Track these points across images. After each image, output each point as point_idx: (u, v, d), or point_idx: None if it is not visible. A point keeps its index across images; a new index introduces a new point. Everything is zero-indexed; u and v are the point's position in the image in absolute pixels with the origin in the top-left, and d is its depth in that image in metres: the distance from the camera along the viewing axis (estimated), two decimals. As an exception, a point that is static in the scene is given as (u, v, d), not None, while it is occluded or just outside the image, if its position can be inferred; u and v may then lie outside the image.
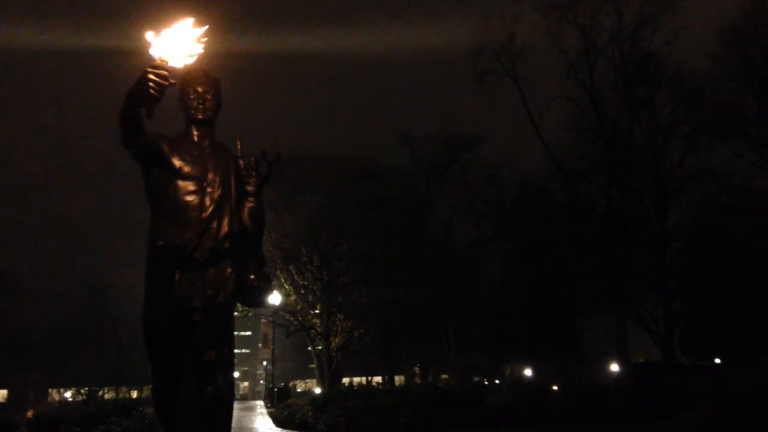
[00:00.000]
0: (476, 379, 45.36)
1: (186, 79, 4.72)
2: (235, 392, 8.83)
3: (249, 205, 4.69)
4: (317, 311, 38.43)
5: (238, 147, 4.84)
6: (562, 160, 33.65)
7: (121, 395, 51.77)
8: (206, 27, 4.15)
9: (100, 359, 50.38)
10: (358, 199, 37.07)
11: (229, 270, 4.50)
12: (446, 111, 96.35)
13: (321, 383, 37.53)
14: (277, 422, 23.38)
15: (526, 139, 52.41)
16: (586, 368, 35.42)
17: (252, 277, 4.65)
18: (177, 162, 4.52)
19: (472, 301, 38.33)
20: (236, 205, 4.64)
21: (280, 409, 27.60)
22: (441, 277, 36.06)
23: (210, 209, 4.49)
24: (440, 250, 38.48)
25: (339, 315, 38.00)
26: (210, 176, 4.57)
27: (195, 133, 4.74)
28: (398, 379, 49.66)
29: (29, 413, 22.94)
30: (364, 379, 51.68)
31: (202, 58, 4.34)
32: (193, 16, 4.10)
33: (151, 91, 3.91)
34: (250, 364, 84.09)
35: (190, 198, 4.48)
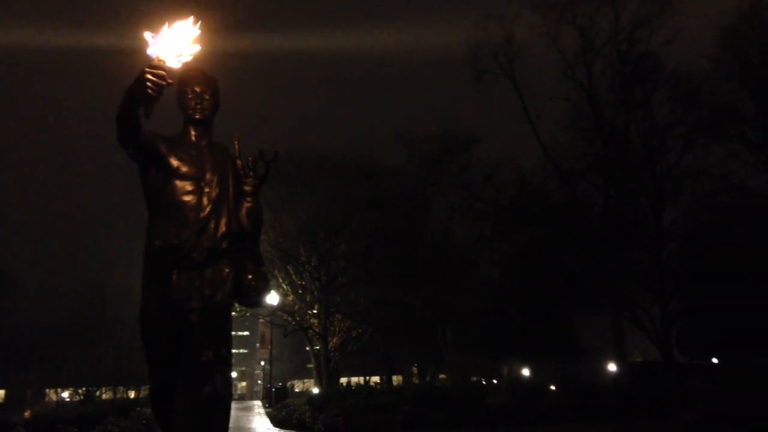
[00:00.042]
0: (474, 378, 45.35)
1: (184, 78, 4.71)
2: (233, 392, 8.83)
3: (247, 205, 4.68)
4: (315, 311, 38.42)
5: (236, 147, 4.84)
6: (559, 160, 33.74)
7: (118, 395, 51.74)
8: (199, 22, 4.12)
9: (98, 359, 50.31)
10: (357, 199, 37.05)
11: (226, 270, 4.50)
12: (444, 111, 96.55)
13: (319, 383, 37.52)
14: (275, 422, 23.37)
15: (523, 139, 52.42)
16: (583, 368, 35.42)
17: (250, 277, 4.64)
18: (174, 162, 4.52)
19: (470, 300, 38.33)
20: (234, 205, 4.63)
21: (277, 409, 27.61)
22: (439, 276, 36.07)
23: (207, 209, 4.49)
24: (438, 250, 38.50)
25: (337, 315, 38.00)
26: (208, 176, 4.57)
27: (193, 132, 4.74)
28: (396, 379, 49.61)
29: (26, 413, 22.94)
30: (361, 379, 51.70)
31: (201, 58, 4.34)
32: (192, 16, 4.11)
33: (149, 90, 3.91)
34: (247, 364, 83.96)
35: (187, 198, 4.48)
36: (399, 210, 38.89)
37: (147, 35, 3.96)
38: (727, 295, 27.30)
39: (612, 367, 35.26)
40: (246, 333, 77.00)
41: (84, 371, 51.11)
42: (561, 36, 32.85)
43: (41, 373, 53.82)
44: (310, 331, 38.23)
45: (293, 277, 37.61)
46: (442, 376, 45.91)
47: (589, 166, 33.99)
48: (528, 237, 36.77)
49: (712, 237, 30.27)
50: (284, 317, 39.08)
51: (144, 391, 46.84)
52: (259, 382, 73.16)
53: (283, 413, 23.56)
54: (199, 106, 4.72)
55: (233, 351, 4.95)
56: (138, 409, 20.80)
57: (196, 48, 4.18)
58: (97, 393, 51.33)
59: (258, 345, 61.84)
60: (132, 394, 53.14)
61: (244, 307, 5.63)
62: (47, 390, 57.96)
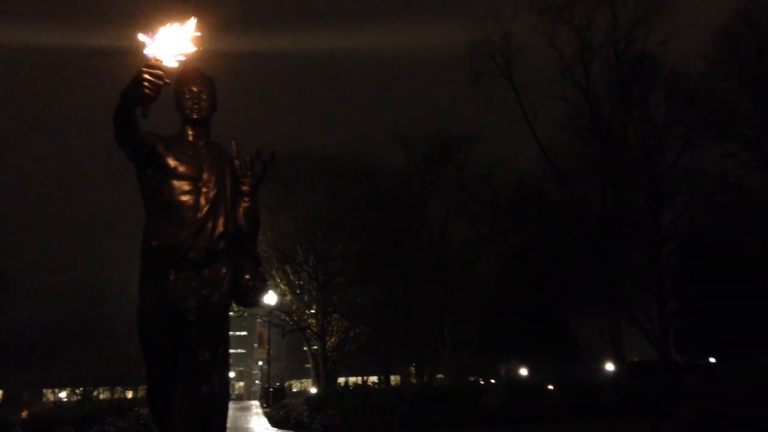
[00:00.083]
0: (471, 378, 45.43)
1: (181, 78, 4.70)
2: (231, 392, 8.84)
3: (244, 205, 4.69)
4: (313, 311, 38.43)
5: (233, 147, 4.84)
6: (557, 160, 33.76)
7: (116, 395, 51.71)
8: (197, 22, 4.11)
9: (95, 359, 50.23)
10: (355, 199, 37.09)
11: (224, 270, 4.49)
12: (442, 111, 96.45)
13: (317, 383, 37.54)
14: (273, 422, 23.33)
15: (521, 138, 52.50)
16: (581, 367, 35.50)
17: (247, 277, 4.64)
18: (172, 162, 4.51)
19: (468, 300, 38.37)
20: (231, 205, 4.63)
21: (275, 409, 27.59)
22: (436, 276, 36.09)
23: (205, 209, 4.48)
24: (435, 250, 38.52)
25: (334, 315, 38.02)
26: (205, 176, 4.56)
27: (190, 132, 4.73)
28: (394, 379, 49.68)
29: (24, 413, 22.91)
30: (359, 378, 51.64)
31: (200, 58, 4.33)
32: (192, 16, 4.09)
33: (146, 90, 3.90)
34: (245, 364, 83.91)
35: (185, 198, 4.47)
36: (397, 210, 38.93)
37: (143, 37, 3.95)
38: (725, 295, 27.31)
39: (609, 366, 35.29)
40: (244, 333, 77.02)
41: (81, 371, 51.01)
42: (558, 36, 32.96)
43: (39, 373, 53.64)
44: (308, 331, 38.24)
45: (291, 277, 37.62)
46: (439, 375, 45.97)
47: (586, 166, 34.03)
48: (525, 237, 36.79)
49: (709, 237, 30.29)
50: (282, 317, 39.10)
51: (141, 391, 46.81)
52: (257, 382, 73.11)
53: (281, 413, 23.55)
54: (196, 106, 4.71)
55: (231, 351, 4.95)
56: (135, 409, 20.73)
57: (194, 48, 4.17)
58: (95, 393, 51.27)
59: (256, 345, 61.86)
60: (129, 394, 53.14)
61: (241, 307, 5.62)
62: (44, 390, 57.87)
